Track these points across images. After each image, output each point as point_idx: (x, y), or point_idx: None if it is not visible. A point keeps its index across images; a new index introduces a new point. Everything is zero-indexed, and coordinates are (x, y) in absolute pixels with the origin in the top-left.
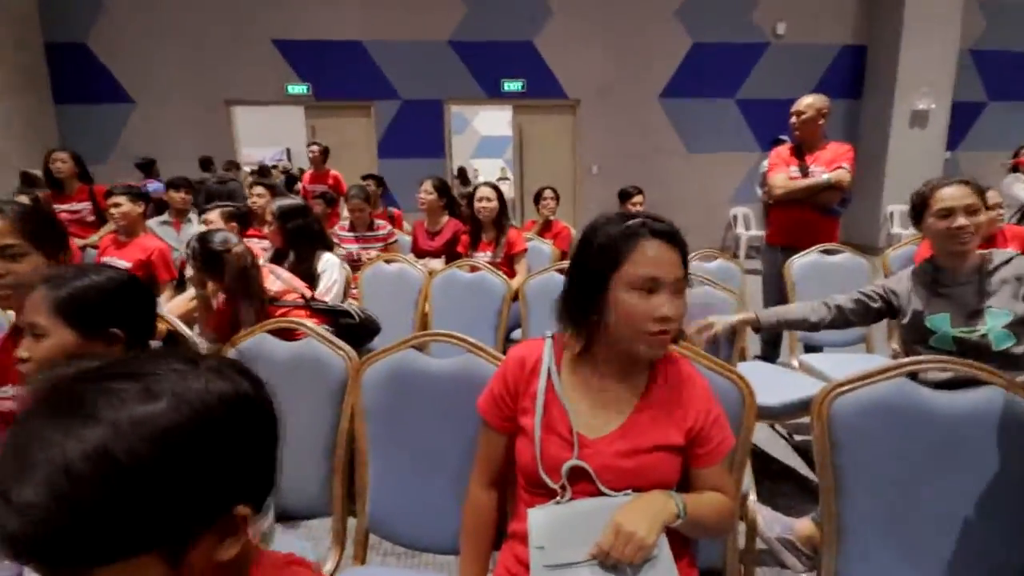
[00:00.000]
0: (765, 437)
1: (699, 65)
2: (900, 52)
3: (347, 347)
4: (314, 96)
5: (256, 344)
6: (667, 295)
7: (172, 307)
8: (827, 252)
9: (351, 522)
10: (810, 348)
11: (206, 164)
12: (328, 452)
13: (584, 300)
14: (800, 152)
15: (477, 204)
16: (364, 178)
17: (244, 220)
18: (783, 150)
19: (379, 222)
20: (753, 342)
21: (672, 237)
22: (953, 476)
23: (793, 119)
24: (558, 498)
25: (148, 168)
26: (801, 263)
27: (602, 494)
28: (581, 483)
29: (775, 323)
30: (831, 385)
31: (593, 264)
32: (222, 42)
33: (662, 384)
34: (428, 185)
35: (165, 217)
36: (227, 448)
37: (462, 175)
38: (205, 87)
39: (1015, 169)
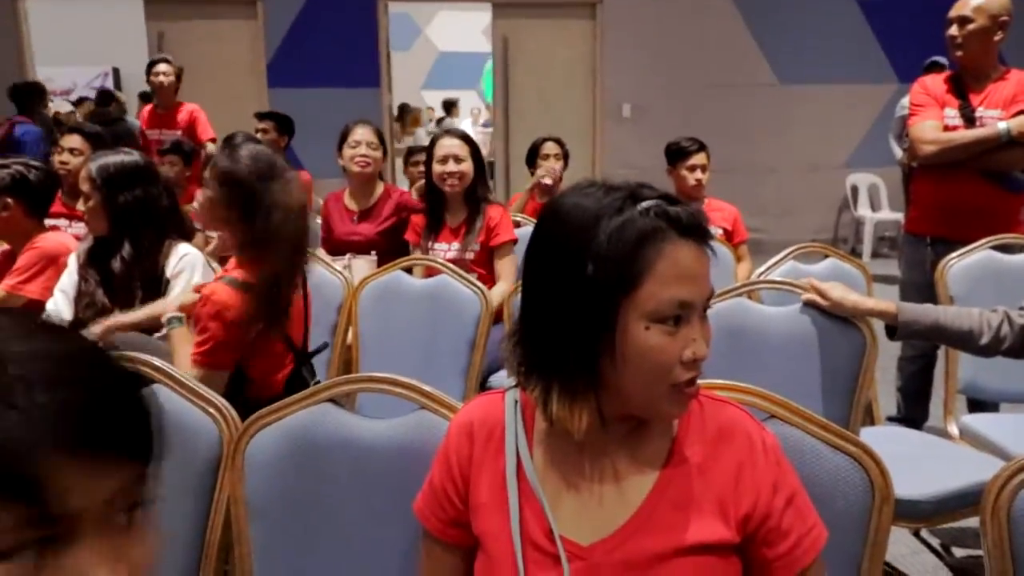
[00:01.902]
0: (905, 550)
1: None
2: None
3: (223, 404)
4: None
5: None
6: (697, 323)
7: None
8: (1004, 248)
9: None
10: (976, 406)
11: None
12: (190, 570)
13: (571, 341)
14: (962, 87)
15: (439, 168)
16: (260, 118)
17: (34, 194)
18: (935, 82)
19: None
20: (887, 395)
21: (704, 234)
22: None
23: (953, 30)
24: None
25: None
26: (963, 265)
27: None
28: None
29: (926, 327)
30: (1013, 466)
31: (590, 285)
32: None
33: (696, 449)
34: (367, 134)
35: None
36: None
37: (404, 116)
38: None
39: None
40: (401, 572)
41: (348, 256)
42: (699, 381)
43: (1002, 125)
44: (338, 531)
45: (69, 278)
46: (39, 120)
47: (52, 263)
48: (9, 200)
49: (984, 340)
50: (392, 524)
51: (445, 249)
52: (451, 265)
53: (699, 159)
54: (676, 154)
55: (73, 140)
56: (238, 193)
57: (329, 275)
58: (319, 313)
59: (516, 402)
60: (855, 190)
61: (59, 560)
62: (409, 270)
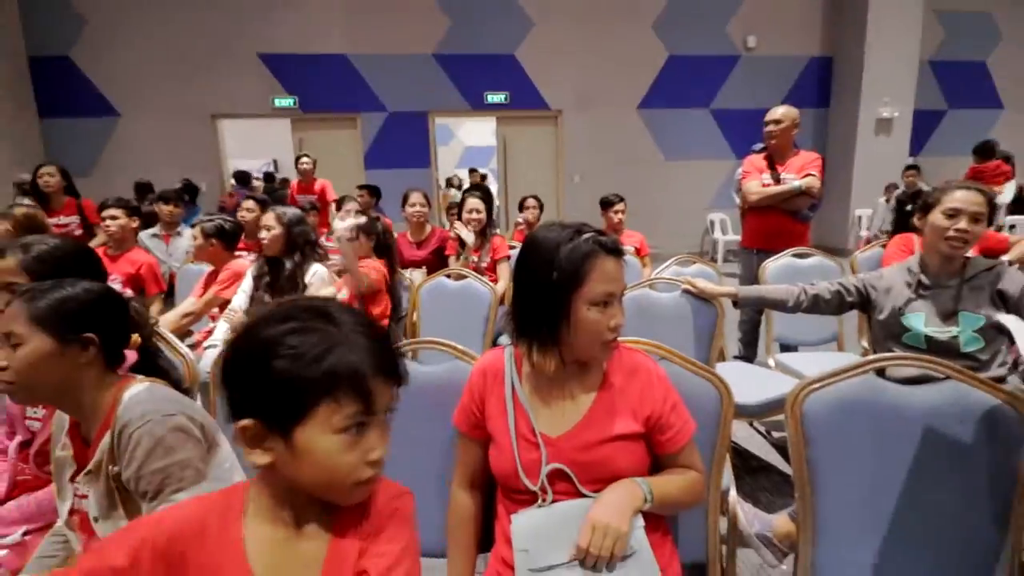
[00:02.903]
0: (745, 435)
1: (675, 76)
2: (864, 63)
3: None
4: (300, 109)
5: None
6: (617, 306)
7: (164, 321)
8: (799, 255)
9: None
10: (785, 348)
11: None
12: None
13: (543, 318)
14: (772, 161)
15: (466, 215)
16: (359, 188)
17: (228, 236)
18: (756, 158)
19: None
20: (732, 343)
21: (619, 251)
22: (920, 467)
23: (771, 127)
24: (540, 501)
25: (144, 190)
26: (775, 266)
27: (581, 494)
28: (560, 484)
29: (755, 299)
30: (803, 383)
31: (554, 285)
32: (208, 56)
33: (617, 378)
34: (418, 196)
35: (155, 230)
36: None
37: (453, 182)
38: (191, 100)
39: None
40: (444, 457)
41: (409, 270)
42: (620, 339)
43: (796, 183)
44: (405, 435)
45: (247, 283)
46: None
47: (239, 277)
48: (213, 240)
49: (790, 304)
50: (437, 429)
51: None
52: (473, 272)
53: (620, 206)
54: (606, 204)
55: (250, 204)
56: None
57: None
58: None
59: (511, 354)
60: (712, 223)
61: (363, 436)
62: (449, 276)
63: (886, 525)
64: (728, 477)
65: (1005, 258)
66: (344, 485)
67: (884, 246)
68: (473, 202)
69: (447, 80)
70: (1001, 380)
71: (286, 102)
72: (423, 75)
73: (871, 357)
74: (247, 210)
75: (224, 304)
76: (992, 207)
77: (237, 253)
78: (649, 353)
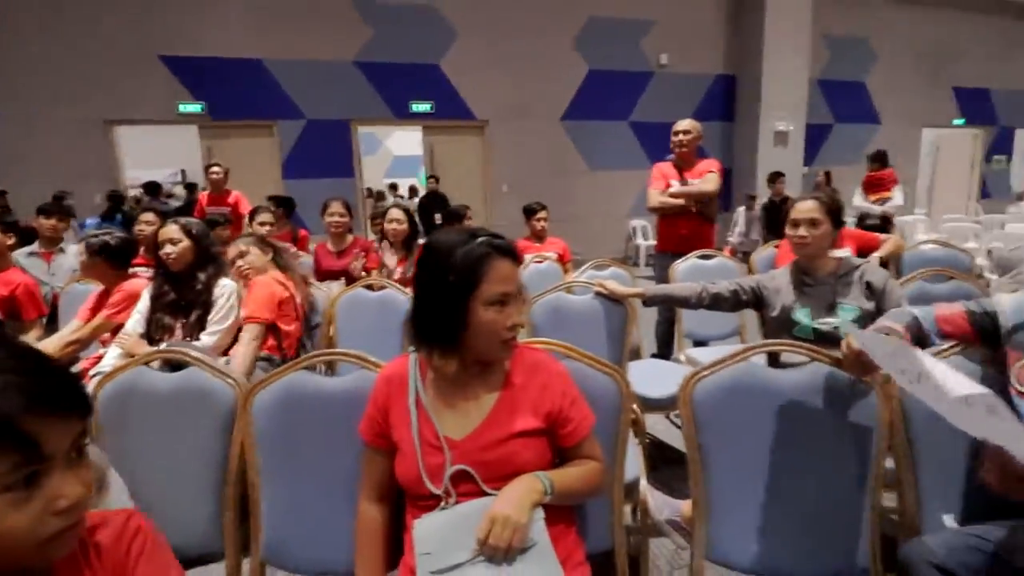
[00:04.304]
0: (663, 428)
1: (596, 90)
2: (762, 81)
3: (235, 373)
4: (210, 115)
5: (134, 377)
6: (515, 304)
7: (44, 347)
8: (704, 257)
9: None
10: (699, 343)
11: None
12: (216, 488)
13: (443, 320)
14: (680, 168)
15: (387, 226)
16: (269, 198)
17: (116, 253)
18: (665, 166)
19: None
20: (651, 342)
21: (514, 253)
22: (794, 440)
23: (681, 137)
24: (443, 504)
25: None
26: (683, 266)
27: (485, 493)
28: (464, 485)
29: (661, 298)
30: (692, 372)
31: (451, 287)
32: (100, 56)
33: (519, 377)
34: (338, 206)
35: (33, 248)
36: None
37: (389, 190)
38: (81, 105)
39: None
40: (354, 473)
41: (327, 282)
42: (531, 340)
43: (696, 184)
44: (315, 450)
45: (143, 304)
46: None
47: (134, 299)
48: (99, 258)
49: (692, 301)
50: (348, 442)
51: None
52: (394, 283)
53: (542, 214)
54: (529, 212)
55: (148, 216)
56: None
57: (319, 294)
58: (312, 317)
59: (415, 361)
60: (634, 229)
61: (40, 487)
62: (370, 287)
63: (769, 495)
64: (639, 467)
65: (876, 254)
66: (28, 547)
67: (776, 247)
68: (394, 212)
69: (370, 88)
70: None
71: (193, 108)
72: (344, 83)
73: (750, 345)
74: (146, 223)
75: (118, 329)
76: (835, 209)
77: (133, 271)
78: (552, 352)
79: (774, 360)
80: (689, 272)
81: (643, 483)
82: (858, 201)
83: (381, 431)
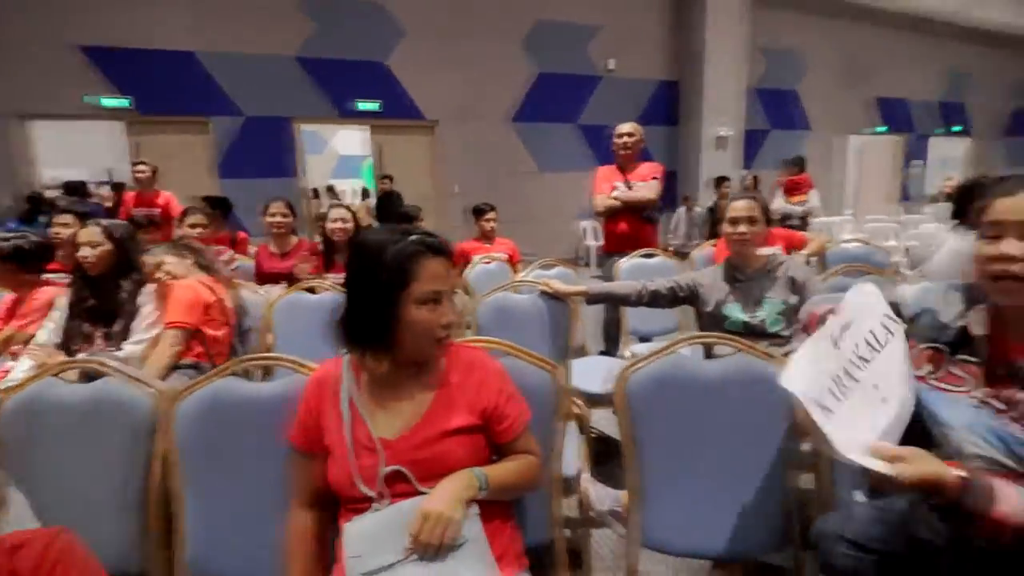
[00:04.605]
0: (610, 422)
1: (545, 92)
2: (703, 88)
3: (156, 382)
4: (137, 110)
5: (41, 390)
6: (447, 303)
7: None
8: (646, 256)
9: None
10: (644, 339)
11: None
12: (137, 504)
13: (374, 320)
14: (623, 170)
15: (331, 226)
16: (203, 200)
17: (27, 257)
18: (607, 169)
19: (216, 247)
20: (598, 339)
21: (446, 251)
22: (719, 424)
23: (625, 139)
24: (375, 505)
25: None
26: (626, 265)
27: (419, 492)
28: (398, 485)
29: (604, 296)
30: (626, 365)
31: (381, 286)
32: (11, 44)
33: (455, 375)
34: (280, 207)
35: None
36: None
37: (327, 193)
38: None
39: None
40: (280, 481)
41: (267, 286)
42: (473, 338)
43: (640, 189)
44: (244, 459)
45: (58, 313)
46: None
47: (48, 308)
48: (8, 263)
49: (632, 299)
50: (278, 449)
51: (337, 277)
52: (336, 286)
53: (491, 215)
54: (478, 212)
55: (66, 218)
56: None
57: (255, 298)
58: (251, 323)
59: (349, 362)
60: (584, 230)
61: None
62: (312, 290)
63: (698, 480)
64: (580, 461)
65: (803, 253)
66: None
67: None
68: (338, 212)
69: (313, 85)
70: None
71: (119, 103)
72: (285, 79)
73: (678, 338)
74: (62, 225)
75: (30, 339)
76: (766, 208)
77: (46, 277)
78: (491, 350)
79: (710, 353)
80: (632, 270)
81: (585, 476)
82: (780, 203)
83: (312, 435)
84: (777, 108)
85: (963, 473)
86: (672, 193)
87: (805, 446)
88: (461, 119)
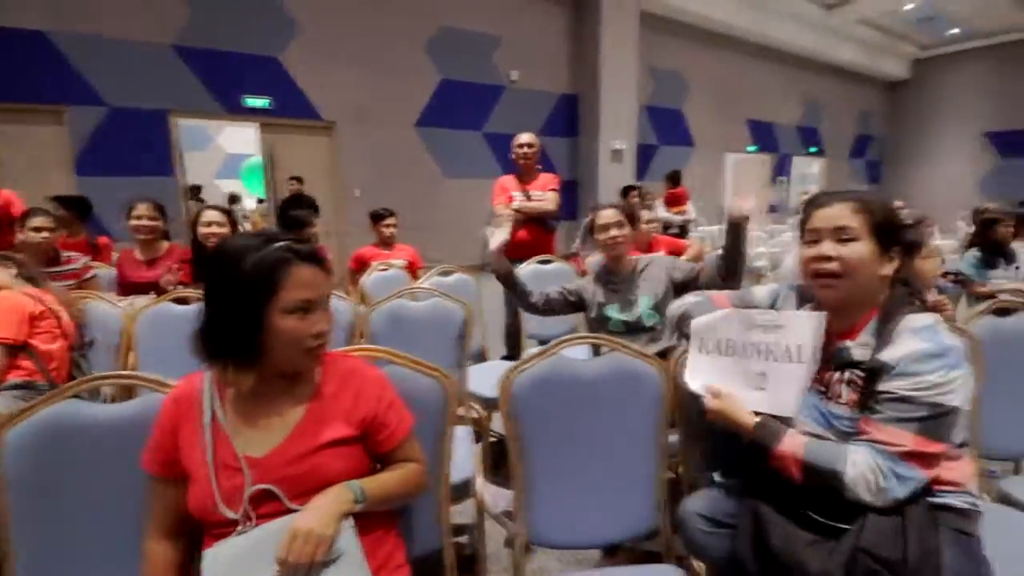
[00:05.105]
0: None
1: (449, 99)
2: (600, 104)
3: None
4: None
5: None
6: (320, 311)
7: None
8: (543, 262)
9: None
10: (542, 343)
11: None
12: None
13: (236, 332)
14: (523, 181)
15: (203, 231)
16: (53, 201)
17: None
18: (507, 179)
19: (69, 253)
20: (501, 346)
21: (318, 259)
22: (597, 420)
23: (525, 150)
24: (240, 528)
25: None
26: (525, 271)
27: (290, 511)
28: (267, 505)
29: (511, 277)
30: (510, 368)
31: (243, 295)
32: None
33: (330, 386)
34: (146, 209)
35: None
36: None
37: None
38: None
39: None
40: (138, 516)
41: (132, 297)
42: (354, 347)
43: (538, 199)
44: (89, 491)
45: None
46: None
47: None
48: None
49: (533, 299)
50: (132, 477)
51: None
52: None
53: (390, 220)
54: (377, 217)
55: None
56: None
57: (114, 311)
58: (108, 338)
59: (211, 378)
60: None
61: None
62: (184, 301)
63: (578, 474)
64: (474, 465)
65: (683, 257)
66: None
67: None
68: (211, 215)
69: (192, 77)
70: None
71: None
72: (159, 68)
73: (556, 341)
74: None
75: None
76: (629, 213)
77: None
78: (374, 359)
79: (599, 353)
80: (530, 276)
81: (479, 481)
82: (662, 213)
83: (169, 458)
84: (665, 125)
85: (758, 419)
86: (575, 202)
87: (673, 437)
88: (361, 121)
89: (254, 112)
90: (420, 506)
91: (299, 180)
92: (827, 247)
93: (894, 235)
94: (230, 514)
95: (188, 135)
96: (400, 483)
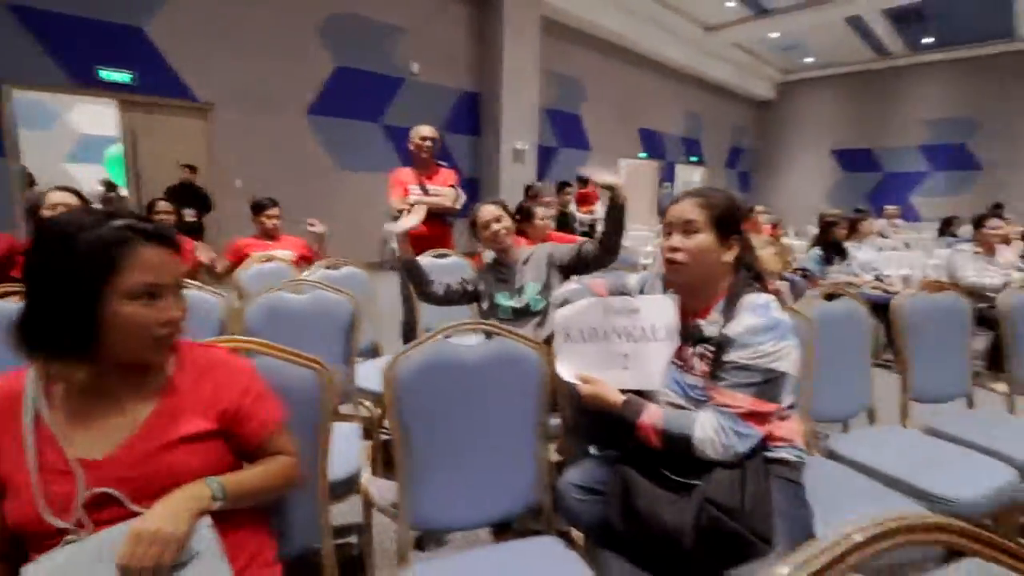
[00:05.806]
0: None
1: (345, 88)
2: (502, 104)
3: None
4: None
5: None
6: (170, 297)
7: None
8: (439, 256)
9: None
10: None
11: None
12: None
13: (64, 320)
14: (421, 175)
15: (48, 214)
16: None
17: None
18: (404, 172)
19: None
20: (395, 341)
21: (167, 239)
22: (483, 403)
23: (425, 142)
24: (70, 537)
25: None
26: (423, 263)
27: (134, 515)
28: (107, 511)
29: (414, 263)
30: (395, 354)
31: (73, 278)
32: None
33: (186, 380)
34: None
35: None
36: None
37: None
38: None
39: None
40: None
41: None
42: (222, 338)
43: (439, 194)
44: None
45: None
46: None
47: None
48: None
49: (434, 287)
50: None
51: None
52: None
53: (273, 211)
54: (258, 207)
55: None
56: None
57: None
58: None
59: (35, 374)
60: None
61: None
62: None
63: (461, 457)
64: (360, 460)
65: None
66: None
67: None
68: (57, 196)
69: (33, 42)
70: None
71: None
72: None
73: (442, 328)
74: None
75: None
76: (506, 207)
77: None
78: (245, 350)
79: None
80: (426, 268)
81: (365, 475)
82: (571, 209)
83: None
84: (564, 128)
85: (624, 397)
86: (475, 201)
87: (555, 420)
88: (245, 105)
89: (112, 87)
90: (297, 502)
91: (192, 168)
92: (675, 239)
93: (733, 226)
94: (59, 523)
95: (26, 111)
96: (266, 477)
